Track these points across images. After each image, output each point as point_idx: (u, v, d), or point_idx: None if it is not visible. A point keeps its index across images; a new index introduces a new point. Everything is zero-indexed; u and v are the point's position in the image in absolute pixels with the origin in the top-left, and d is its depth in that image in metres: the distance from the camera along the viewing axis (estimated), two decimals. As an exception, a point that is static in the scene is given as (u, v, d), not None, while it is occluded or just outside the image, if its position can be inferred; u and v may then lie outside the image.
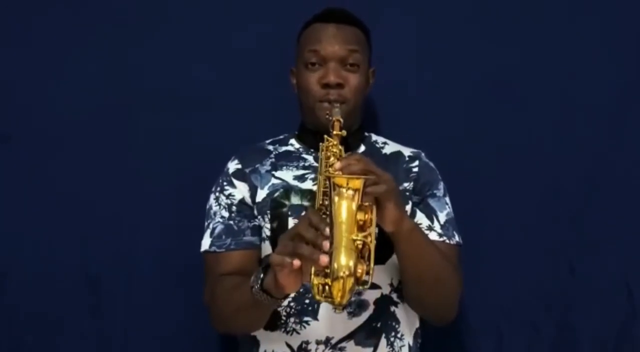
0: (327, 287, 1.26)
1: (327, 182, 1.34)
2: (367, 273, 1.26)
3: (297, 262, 1.24)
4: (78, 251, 1.95)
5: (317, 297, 1.28)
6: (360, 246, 1.27)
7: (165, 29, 1.97)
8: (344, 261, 1.24)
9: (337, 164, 1.34)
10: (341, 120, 1.51)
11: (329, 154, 1.48)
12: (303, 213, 1.53)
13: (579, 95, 1.92)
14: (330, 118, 1.53)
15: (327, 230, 1.26)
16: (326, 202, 1.36)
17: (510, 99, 1.94)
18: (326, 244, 1.23)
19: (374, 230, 1.28)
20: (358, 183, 1.28)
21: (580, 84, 1.92)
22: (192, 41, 1.97)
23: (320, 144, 1.52)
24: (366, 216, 1.29)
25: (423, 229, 1.56)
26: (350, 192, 1.28)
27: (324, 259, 1.22)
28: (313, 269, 1.28)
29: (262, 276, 1.35)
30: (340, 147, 1.48)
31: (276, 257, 1.28)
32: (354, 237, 1.26)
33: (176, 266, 1.94)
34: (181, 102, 1.96)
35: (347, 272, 1.23)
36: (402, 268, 1.50)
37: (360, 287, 1.27)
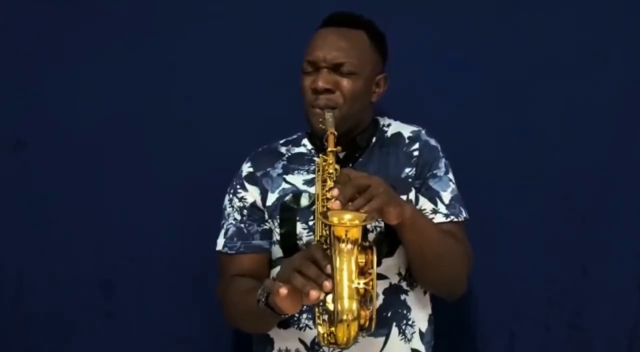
0: (332, 335, 1.26)
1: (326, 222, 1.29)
2: (370, 319, 1.26)
3: (284, 291, 1.26)
4: (92, 255, 1.97)
5: (323, 344, 1.29)
6: (362, 291, 1.26)
7: (176, 35, 1.99)
8: (347, 305, 1.23)
9: (335, 191, 1.31)
10: (335, 133, 1.48)
11: (325, 176, 1.44)
12: (307, 242, 1.53)
13: (590, 95, 1.92)
14: (323, 127, 1.51)
15: (329, 268, 1.25)
16: (326, 232, 1.34)
17: (521, 100, 1.94)
18: (327, 284, 1.23)
19: (375, 274, 1.27)
20: (356, 232, 1.26)
21: (591, 83, 1.92)
22: (201, 45, 1.98)
23: (316, 161, 1.52)
24: (367, 257, 1.27)
25: (427, 214, 1.57)
26: (350, 245, 1.25)
27: (314, 294, 1.23)
28: (317, 315, 1.29)
29: (267, 292, 1.36)
30: (336, 166, 1.45)
31: (269, 283, 1.32)
32: (356, 285, 1.25)
33: (188, 269, 1.96)
34: (192, 106, 1.98)
35: (351, 316, 1.23)
36: (406, 249, 1.51)
37: (363, 333, 1.27)
